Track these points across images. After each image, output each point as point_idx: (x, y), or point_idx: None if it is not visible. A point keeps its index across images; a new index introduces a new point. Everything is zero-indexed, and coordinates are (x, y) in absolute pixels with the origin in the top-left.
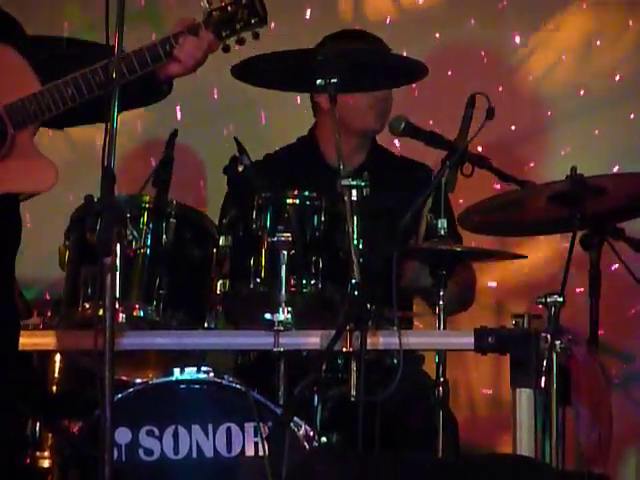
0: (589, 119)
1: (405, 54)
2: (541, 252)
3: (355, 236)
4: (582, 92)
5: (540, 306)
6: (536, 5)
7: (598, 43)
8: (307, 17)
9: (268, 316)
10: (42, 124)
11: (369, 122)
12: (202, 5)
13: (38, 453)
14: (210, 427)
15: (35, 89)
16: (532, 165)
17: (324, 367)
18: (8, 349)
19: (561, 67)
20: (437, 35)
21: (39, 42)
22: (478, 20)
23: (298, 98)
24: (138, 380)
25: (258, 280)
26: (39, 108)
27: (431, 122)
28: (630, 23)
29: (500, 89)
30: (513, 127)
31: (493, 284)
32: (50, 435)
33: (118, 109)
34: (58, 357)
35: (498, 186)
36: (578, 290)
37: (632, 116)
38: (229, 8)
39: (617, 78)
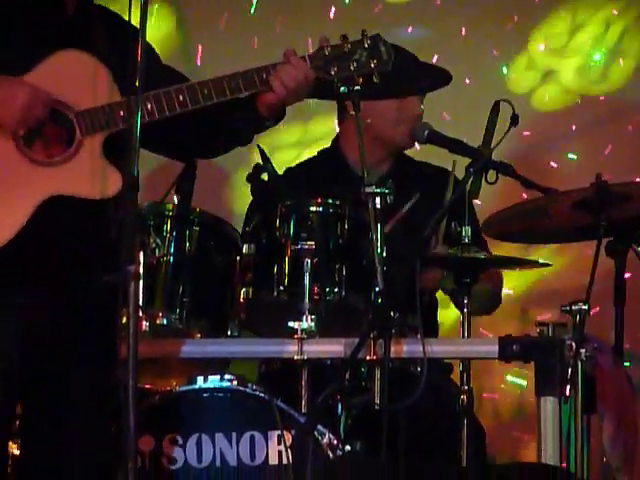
0: (614, 126)
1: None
2: (565, 260)
3: (379, 244)
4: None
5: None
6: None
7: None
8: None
9: (291, 324)
10: (165, 155)
11: (402, 137)
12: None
13: None
14: (234, 435)
15: (114, 99)
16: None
17: (347, 375)
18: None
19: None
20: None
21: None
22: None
23: None
24: (161, 388)
25: (281, 288)
26: (112, 119)
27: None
28: None
29: None
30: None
31: (517, 292)
32: None
33: (227, 145)
34: None
35: (524, 194)
36: (603, 298)
37: None
38: (345, 47)
39: None
